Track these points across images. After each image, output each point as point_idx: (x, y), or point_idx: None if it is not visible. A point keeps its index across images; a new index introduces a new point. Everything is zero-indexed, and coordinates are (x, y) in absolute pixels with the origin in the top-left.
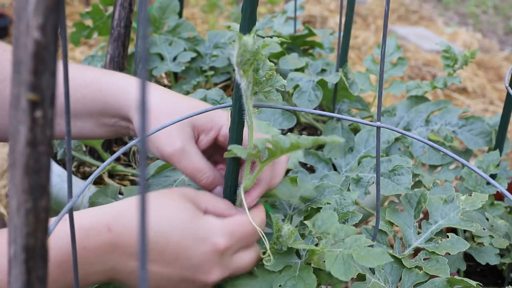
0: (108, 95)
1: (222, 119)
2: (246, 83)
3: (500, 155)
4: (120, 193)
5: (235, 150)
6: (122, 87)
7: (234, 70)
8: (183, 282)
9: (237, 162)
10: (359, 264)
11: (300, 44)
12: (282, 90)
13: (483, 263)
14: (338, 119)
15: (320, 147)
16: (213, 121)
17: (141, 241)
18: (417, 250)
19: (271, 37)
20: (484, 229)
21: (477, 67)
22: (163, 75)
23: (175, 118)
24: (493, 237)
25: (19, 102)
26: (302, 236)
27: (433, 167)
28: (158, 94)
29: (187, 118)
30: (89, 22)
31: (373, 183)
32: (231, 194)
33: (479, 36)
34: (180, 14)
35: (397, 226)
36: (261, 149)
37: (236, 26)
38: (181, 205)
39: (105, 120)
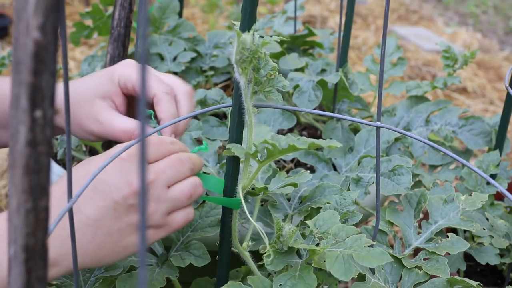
0: None
1: (117, 73)
2: (245, 82)
3: (500, 155)
4: None
5: (234, 149)
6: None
7: (234, 69)
8: (117, 209)
9: (237, 161)
10: (359, 264)
11: (300, 44)
12: (283, 90)
13: (483, 263)
14: (338, 119)
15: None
16: (112, 81)
17: (141, 239)
18: (417, 250)
19: (271, 36)
20: (484, 229)
21: (477, 67)
22: None
23: (84, 104)
24: (493, 237)
25: (19, 102)
26: (303, 235)
27: (433, 167)
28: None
29: (187, 117)
30: (89, 22)
31: (373, 183)
32: (230, 193)
33: (479, 36)
34: (180, 14)
35: (397, 226)
36: (260, 150)
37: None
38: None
39: None
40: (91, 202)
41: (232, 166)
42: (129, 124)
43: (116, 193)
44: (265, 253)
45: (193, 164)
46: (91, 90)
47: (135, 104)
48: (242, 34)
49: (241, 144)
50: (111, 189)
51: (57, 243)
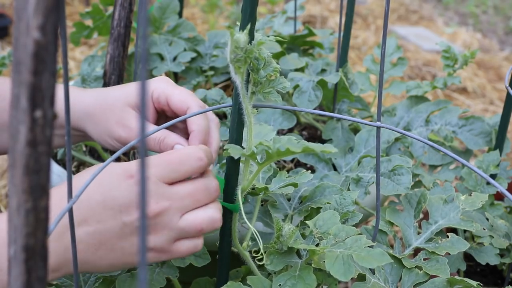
0: None
1: (151, 86)
2: (241, 81)
3: (500, 155)
4: None
5: (230, 150)
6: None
7: (229, 68)
8: (124, 229)
9: (237, 162)
10: (359, 264)
11: (300, 44)
12: (284, 92)
13: (483, 263)
14: (338, 119)
15: None
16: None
17: (141, 241)
18: (417, 250)
19: (268, 36)
20: (484, 229)
21: (477, 67)
22: (163, 75)
23: (115, 109)
24: (493, 237)
25: (19, 102)
26: (303, 236)
27: (433, 167)
28: (90, 95)
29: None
30: (89, 22)
31: (373, 183)
32: (231, 193)
33: (479, 36)
34: (180, 14)
35: (397, 226)
36: (258, 151)
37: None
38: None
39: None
40: (99, 217)
41: (232, 167)
42: (157, 133)
43: (125, 214)
44: (257, 251)
45: (218, 192)
46: (123, 97)
47: (165, 119)
48: (235, 33)
49: (241, 144)
50: (121, 209)
51: (61, 251)
